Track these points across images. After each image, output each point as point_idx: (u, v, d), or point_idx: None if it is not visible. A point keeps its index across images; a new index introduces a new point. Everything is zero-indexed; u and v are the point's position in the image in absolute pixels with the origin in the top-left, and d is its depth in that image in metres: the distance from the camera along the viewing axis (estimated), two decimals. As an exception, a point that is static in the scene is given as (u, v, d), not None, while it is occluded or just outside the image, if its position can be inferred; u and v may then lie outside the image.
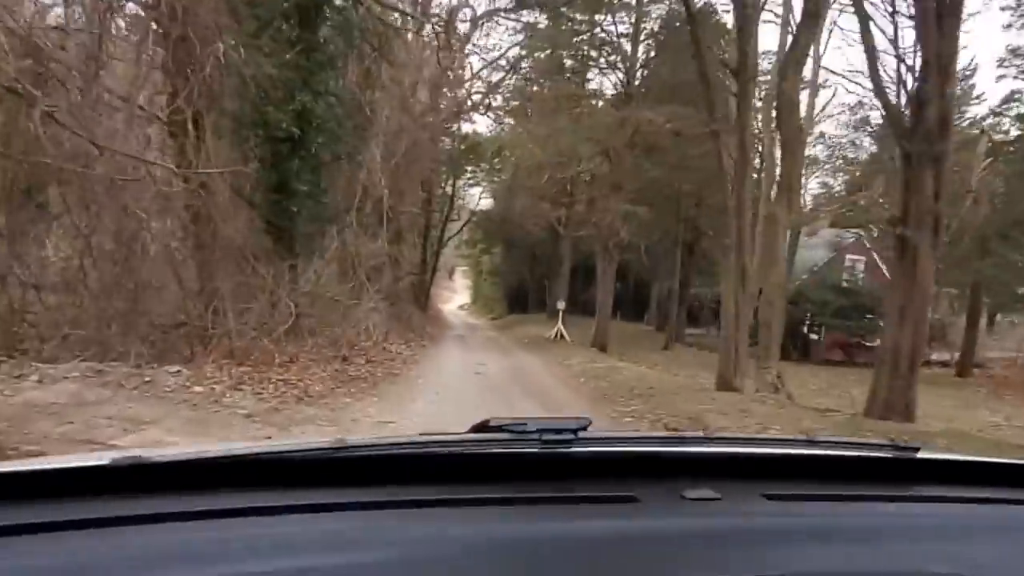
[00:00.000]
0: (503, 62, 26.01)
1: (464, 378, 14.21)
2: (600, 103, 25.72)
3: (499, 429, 1.15)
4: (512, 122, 31.08)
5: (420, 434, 1.22)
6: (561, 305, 26.24)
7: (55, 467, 1.11)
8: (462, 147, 33.92)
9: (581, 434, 1.14)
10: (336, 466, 1.10)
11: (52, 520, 0.92)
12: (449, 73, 22.81)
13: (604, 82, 26.37)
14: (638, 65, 23.37)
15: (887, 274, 34.50)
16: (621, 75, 23.66)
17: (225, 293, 11.72)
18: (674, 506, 1.10)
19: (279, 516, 0.99)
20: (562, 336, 26.27)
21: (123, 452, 1.11)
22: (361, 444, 1.13)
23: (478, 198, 42.18)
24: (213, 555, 0.90)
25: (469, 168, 36.90)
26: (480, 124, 35.06)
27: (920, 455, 1.29)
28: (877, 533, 1.11)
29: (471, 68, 25.78)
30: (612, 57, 23.82)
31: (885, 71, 11.25)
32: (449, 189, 38.67)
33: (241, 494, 1.03)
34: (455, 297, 66.25)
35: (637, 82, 23.52)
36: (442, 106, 24.16)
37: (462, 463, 1.15)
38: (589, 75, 26.47)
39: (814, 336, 32.60)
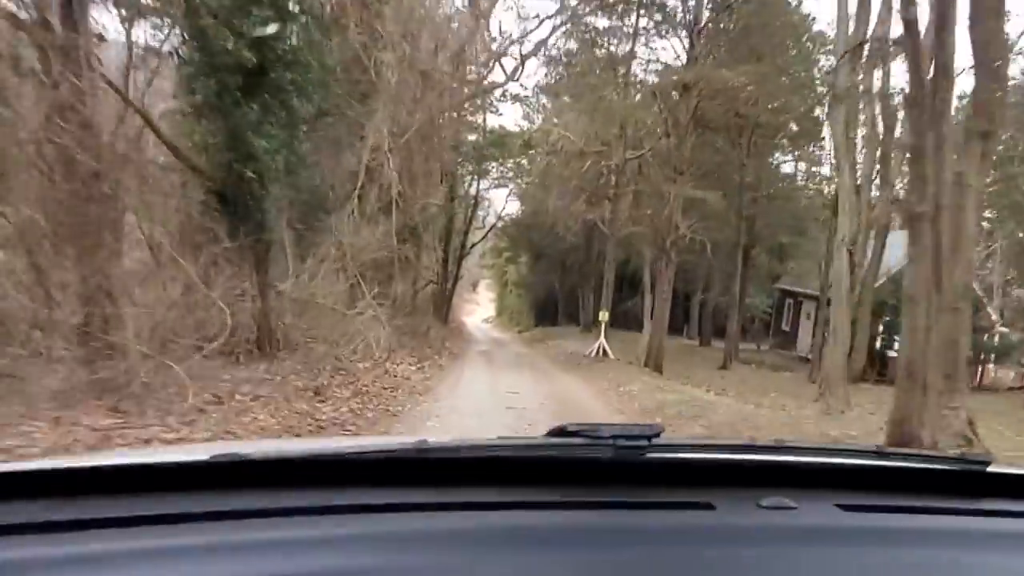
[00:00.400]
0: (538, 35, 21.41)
1: (493, 418, 9.49)
2: (656, 68, 20.88)
3: (574, 434, 1.12)
4: (546, 102, 26.59)
5: (498, 438, 1.23)
6: (604, 316, 21.44)
7: (159, 462, 1.20)
8: (484, 140, 29.39)
9: (655, 441, 1.11)
10: (417, 467, 1.12)
11: (161, 513, 0.95)
12: (477, 37, 18.23)
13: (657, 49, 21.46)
14: (704, 23, 18.57)
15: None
16: (684, 36, 18.93)
17: (114, 290, 7.13)
18: (750, 514, 1.08)
19: (366, 515, 1.00)
20: (604, 353, 21.44)
21: (223, 448, 1.14)
22: (441, 447, 1.16)
23: (504, 201, 37.54)
24: (306, 550, 0.92)
25: (495, 164, 32.31)
26: (507, 118, 30.39)
27: (990, 469, 1.25)
28: (948, 545, 1.09)
29: (500, 31, 21.13)
30: (680, 17, 18.96)
31: None
32: (472, 190, 34.24)
33: (329, 492, 1.04)
34: (479, 309, 61.57)
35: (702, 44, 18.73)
36: (467, 79, 19.57)
37: (537, 467, 1.14)
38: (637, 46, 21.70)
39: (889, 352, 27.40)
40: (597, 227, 32.52)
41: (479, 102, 28.13)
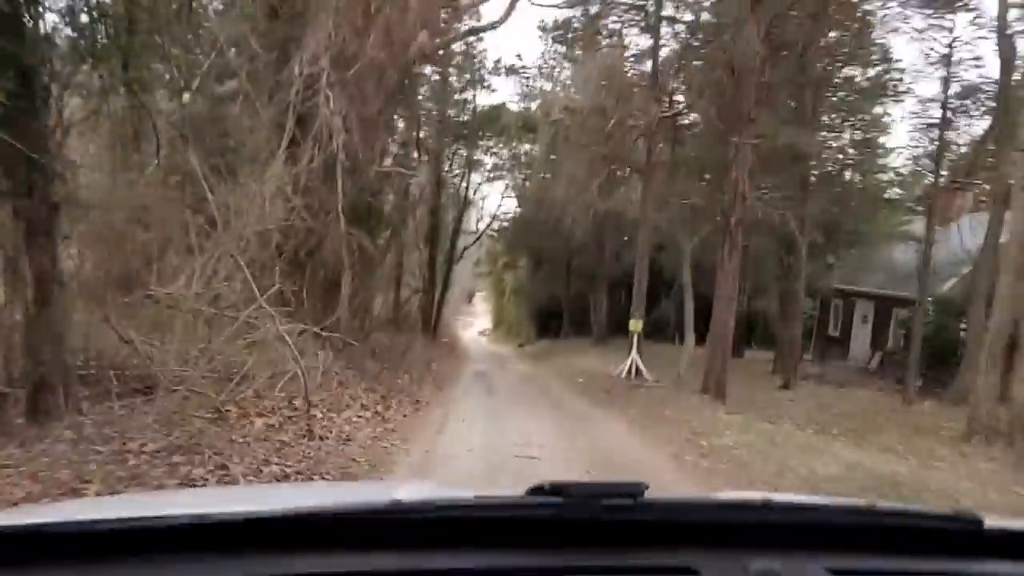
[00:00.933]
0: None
1: None
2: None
3: (556, 492, 1.03)
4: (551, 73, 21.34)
5: (475, 496, 1.11)
6: (637, 326, 15.80)
7: (105, 519, 1.03)
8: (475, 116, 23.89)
9: (640, 499, 1.03)
10: (391, 528, 1.01)
11: None
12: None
13: None
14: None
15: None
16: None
17: None
18: None
19: None
20: (638, 372, 15.82)
21: (172, 509, 1.04)
22: (415, 506, 1.06)
23: (500, 198, 31.96)
24: None
25: (490, 153, 26.76)
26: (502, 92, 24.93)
27: (987, 526, 1.14)
28: None
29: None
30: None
31: None
32: (463, 186, 28.68)
33: (295, 556, 0.94)
34: (475, 322, 55.81)
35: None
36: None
37: (517, 528, 1.04)
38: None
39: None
40: (609, 222, 27.13)
41: (467, 68, 22.72)
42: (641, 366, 15.86)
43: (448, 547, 0.98)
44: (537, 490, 1.05)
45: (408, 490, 1.17)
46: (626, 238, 29.48)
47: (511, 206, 32.62)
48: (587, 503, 1.00)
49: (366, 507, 1.03)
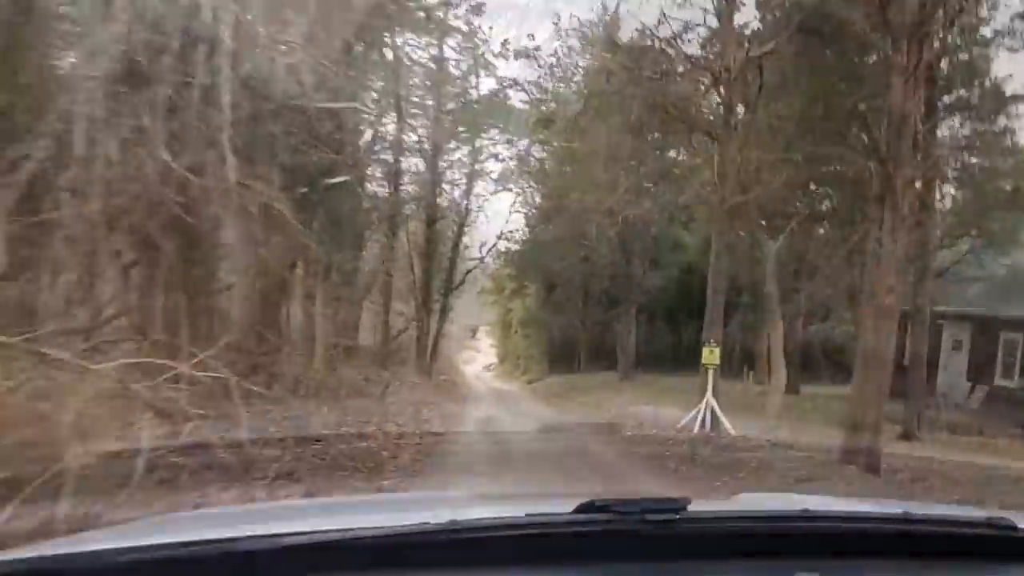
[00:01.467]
0: None
1: None
2: None
3: (603, 508, 1.05)
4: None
5: (526, 515, 1.08)
6: (713, 357, 10.63)
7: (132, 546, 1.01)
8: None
9: (683, 513, 1.03)
10: (449, 547, 1.01)
11: None
12: None
13: None
14: None
15: None
16: None
17: None
18: None
19: None
20: (714, 421, 10.62)
21: (194, 525, 1.04)
22: (471, 526, 1.06)
23: (508, 214, 26.95)
24: None
25: (493, 151, 21.83)
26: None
27: (1021, 527, 1.13)
28: None
29: None
30: None
31: None
32: (462, 195, 23.73)
33: None
34: (478, 357, 50.62)
35: None
36: None
37: (568, 543, 1.06)
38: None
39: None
40: (639, 233, 22.34)
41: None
42: (720, 415, 10.66)
43: (499, 564, 0.98)
44: (585, 507, 1.06)
45: (451, 505, 1.17)
46: (653, 260, 24.87)
47: (519, 223, 27.66)
48: (633, 518, 1.00)
49: (422, 528, 1.01)
